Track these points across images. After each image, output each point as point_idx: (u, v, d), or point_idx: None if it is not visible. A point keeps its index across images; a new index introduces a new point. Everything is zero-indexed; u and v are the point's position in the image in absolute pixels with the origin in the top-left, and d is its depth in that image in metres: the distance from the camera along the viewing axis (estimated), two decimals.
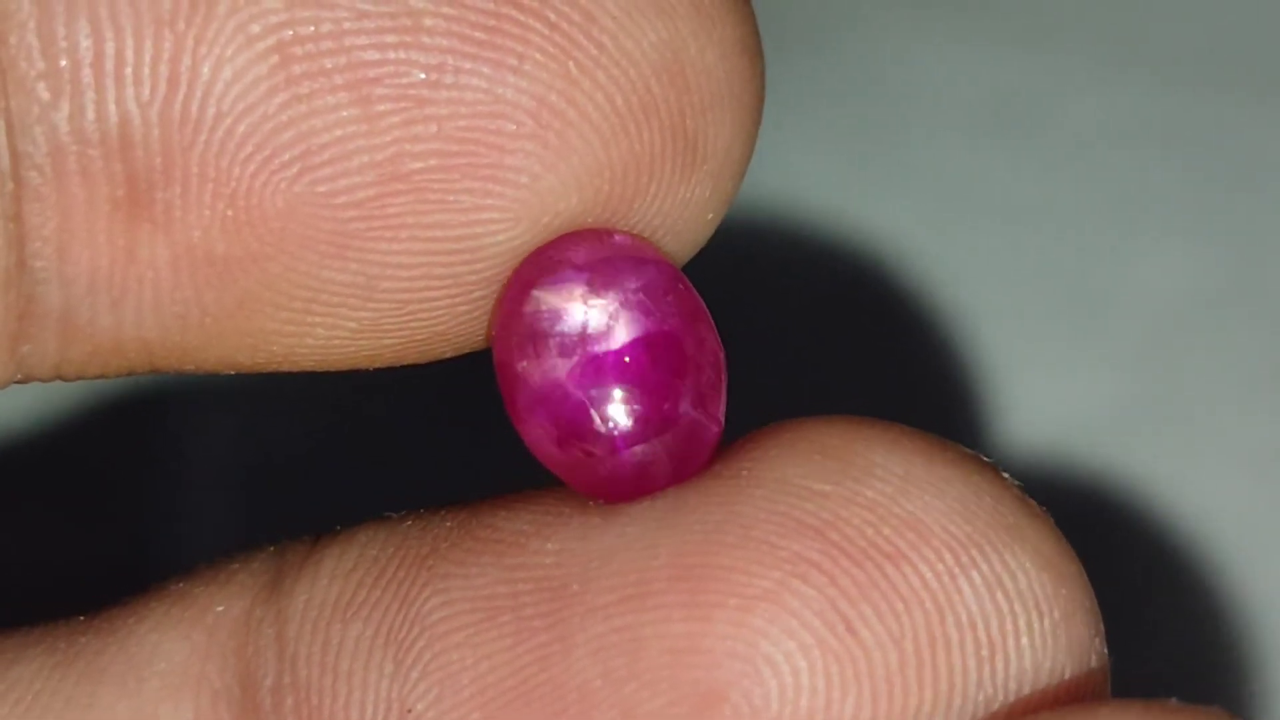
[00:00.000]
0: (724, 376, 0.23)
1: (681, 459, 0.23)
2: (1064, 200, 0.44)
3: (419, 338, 0.23)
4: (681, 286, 0.23)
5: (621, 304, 0.22)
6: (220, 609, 0.24)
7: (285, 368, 0.23)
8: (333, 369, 0.23)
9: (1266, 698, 0.39)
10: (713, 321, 0.23)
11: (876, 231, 0.43)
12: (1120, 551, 0.40)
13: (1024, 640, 0.21)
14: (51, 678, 0.24)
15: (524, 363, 0.22)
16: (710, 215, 0.23)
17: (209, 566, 0.25)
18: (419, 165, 0.22)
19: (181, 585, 0.25)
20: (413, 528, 0.24)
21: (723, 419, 0.23)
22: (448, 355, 0.24)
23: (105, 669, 0.24)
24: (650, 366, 0.22)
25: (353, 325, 0.23)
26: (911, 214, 0.44)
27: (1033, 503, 0.22)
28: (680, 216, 0.23)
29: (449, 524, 0.23)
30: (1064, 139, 0.44)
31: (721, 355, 0.23)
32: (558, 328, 0.22)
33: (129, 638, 0.24)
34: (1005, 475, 0.22)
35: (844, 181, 0.44)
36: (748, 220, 0.43)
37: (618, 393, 0.22)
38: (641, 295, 0.22)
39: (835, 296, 0.43)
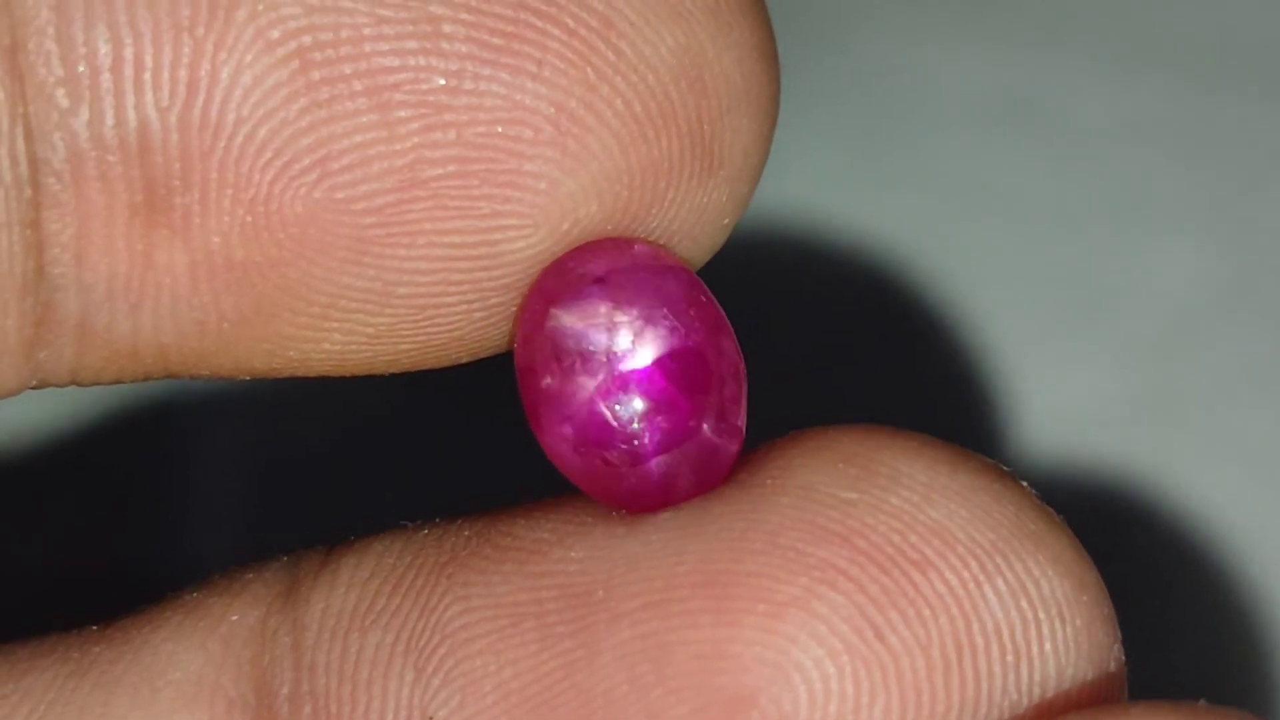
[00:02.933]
0: (744, 386, 0.23)
1: (704, 472, 0.23)
2: (1075, 198, 0.44)
3: (436, 343, 0.23)
4: (704, 298, 0.23)
5: (646, 321, 0.22)
6: (235, 618, 0.24)
7: (301, 373, 0.23)
8: (349, 374, 0.23)
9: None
10: (732, 330, 0.23)
11: (886, 231, 0.43)
12: (1136, 550, 0.40)
13: (1047, 646, 0.21)
14: (65, 687, 0.24)
15: (548, 379, 0.22)
16: (726, 220, 0.23)
17: (223, 576, 0.25)
18: (438, 171, 0.22)
19: (195, 595, 0.25)
20: (430, 537, 0.24)
21: (744, 429, 0.23)
22: (464, 360, 0.24)
23: (119, 678, 0.24)
24: (675, 384, 0.22)
25: (369, 331, 0.23)
26: (921, 213, 0.44)
27: (1050, 510, 0.22)
28: (697, 221, 0.23)
29: (467, 533, 0.23)
30: (1073, 137, 0.44)
31: (742, 365, 0.23)
32: (582, 346, 0.22)
33: (143, 647, 0.24)
34: (1024, 483, 0.23)
35: (853, 180, 0.44)
36: (757, 221, 0.43)
37: (643, 410, 0.22)
38: (665, 311, 0.22)
39: (845, 296, 0.43)
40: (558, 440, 0.23)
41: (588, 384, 0.22)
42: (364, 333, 0.23)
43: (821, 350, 0.43)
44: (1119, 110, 0.44)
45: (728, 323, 0.23)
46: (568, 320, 0.22)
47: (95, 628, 0.25)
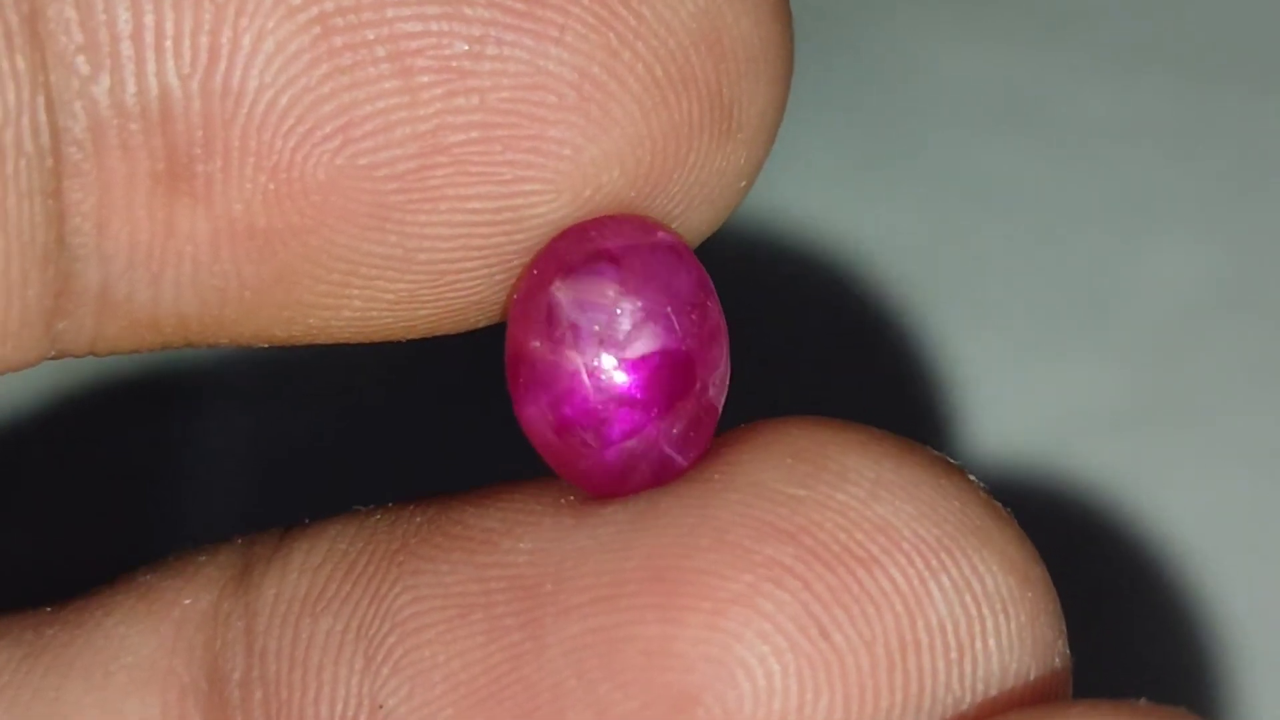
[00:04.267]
0: (723, 397, 0.23)
1: (662, 471, 0.23)
2: (1076, 196, 0.43)
3: (455, 308, 0.23)
4: (710, 302, 0.23)
5: (647, 314, 0.22)
6: (188, 602, 0.24)
7: (321, 341, 0.23)
8: (367, 340, 0.23)
9: (1243, 700, 0.39)
10: (727, 338, 0.23)
11: (885, 226, 0.43)
12: (1110, 553, 0.40)
13: (991, 642, 0.21)
14: (19, 670, 0.24)
15: (536, 343, 0.22)
16: (743, 183, 0.23)
17: (176, 558, 0.25)
18: (460, 137, 0.22)
19: (149, 577, 0.25)
20: (382, 522, 0.24)
21: (712, 436, 0.23)
22: (481, 325, 0.24)
23: (72, 662, 0.24)
24: (657, 382, 0.22)
25: (390, 297, 0.23)
26: (920, 209, 0.43)
27: (998, 505, 0.22)
28: (716, 185, 0.23)
29: (419, 519, 0.23)
30: (1074, 135, 0.44)
31: (727, 377, 0.23)
32: (579, 320, 0.22)
33: (96, 630, 0.24)
34: (972, 478, 0.23)
35: (852, 175, 0.44)
36: (759, 217, 0.42)
37: (620, 398, 0.22)
38: (669, 309, 0.22)
39: (843, 291, 0.43)
40: (530, 404, 0.23)
41: (574, 358, 0.22)
42: (384, 299, 0.23)
43: (819, 345, 0.42)
44: (1120, 108, 0.44)
45: (725, 330, 0.23)
46: (572, 291, 0.22)
47: (49, 609, 0.25)
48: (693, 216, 0.23)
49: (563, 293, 0.22)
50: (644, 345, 0.22)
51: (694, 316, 0.22)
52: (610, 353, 0.22)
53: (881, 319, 0.43)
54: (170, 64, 0.21)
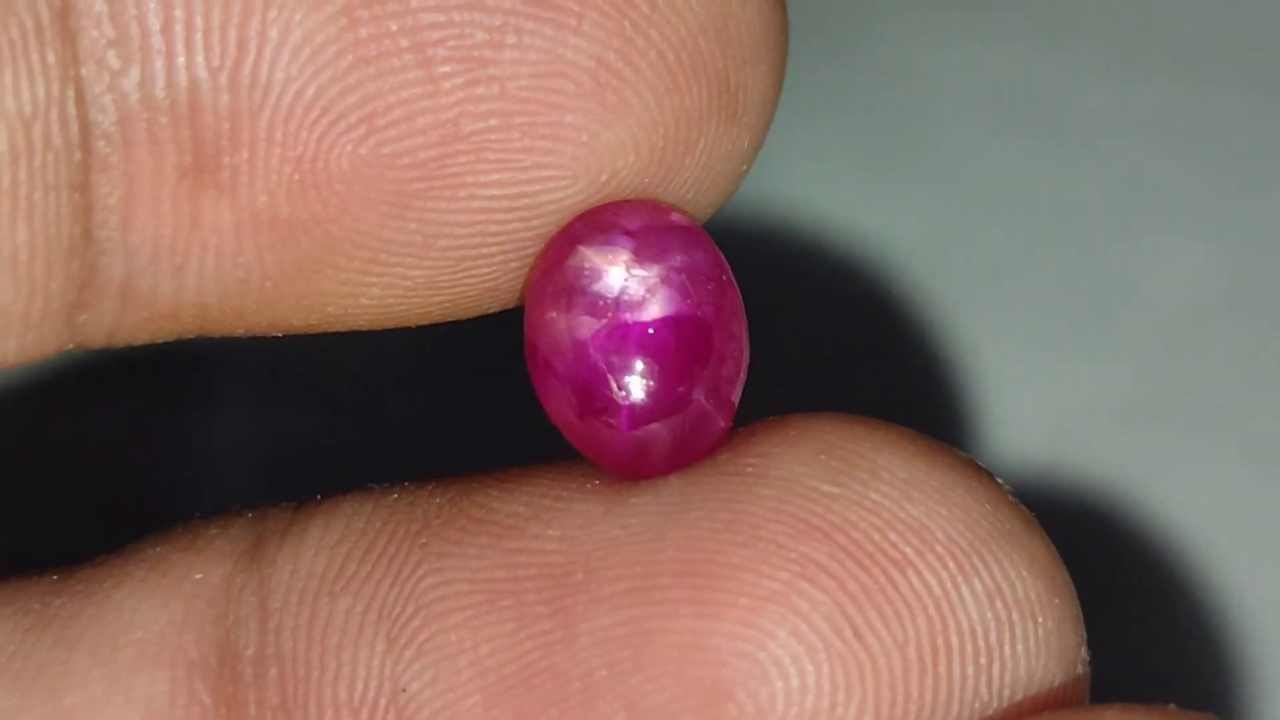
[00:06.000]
0: (743, 372, 0.23)
1: (683, 444, 0.23)
2: (1079, 197, 0.43)
3: (471, 294, 0.23)
4: (725, 277, 0.23)
5: (661, 280, 0.23)
6: (199, 576, 0.24)
7: (336, 328, 0.24)
8: (382, 327, 0.24)
9: (1255, 696, 0.39)
10: (745, 318, 0.23)
11: (889, 226, 0.43)
12: (1116, 550, 0.40)
13: (1019, 647, 0.22)
14: (25, 641, 0.24)
15: (553, 313, 0.23)
16: (744, 166, 0.24)
17: (185, 529, 0.25)
18: (480, 125, 0.22)
19: (158, 549, 0.24)
20: (399, 502, 0.24)
21: (733, 415, 0.23)
22: (495, 310, 0.24)
23: (80, 634, 0.24)
24: (674, 347, 0.23)
25: (408, 284, 0.23)
26: (924, 209, 0.43)
27: (1024, 509, 0.23)
28: (721, 169, 0.23)
29: (438, 500, 0.23)
30: (1078, 135, 0.44)
31: (746, 354, 0.23)
32: (594, 286, 0.23)
33: (105, 603, 0.24)
34: (999, 481, 0.23)
35: (856, 175, 0.43)
36: (763, 216, 0.42)
37: (636, 364, 0.22)
38: (683, 276, 0.23)
39: (846, 291, 0.43)
40: (547, 376, 0.23)
41: (589, 324, 0.23)
42: (402, 286, 0.23)
43: (825, 345, 0.42)
44: (1125, 107, 0.44)
45: (742, 309, 0.23)
46: (586, 260, 0.23)
47: (55, 577, 0.24)
48: (699, 200, 0.24)
49: (577, 260, 0.23)
50: (659, 308, 0.23)
51: (709, 287, 0.23)
52: (625, 317, 0.22)
53: (888, 319, 0.43)
54: (200, 57, 0.21)
